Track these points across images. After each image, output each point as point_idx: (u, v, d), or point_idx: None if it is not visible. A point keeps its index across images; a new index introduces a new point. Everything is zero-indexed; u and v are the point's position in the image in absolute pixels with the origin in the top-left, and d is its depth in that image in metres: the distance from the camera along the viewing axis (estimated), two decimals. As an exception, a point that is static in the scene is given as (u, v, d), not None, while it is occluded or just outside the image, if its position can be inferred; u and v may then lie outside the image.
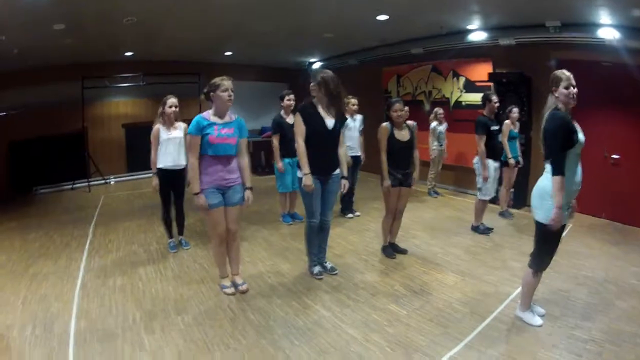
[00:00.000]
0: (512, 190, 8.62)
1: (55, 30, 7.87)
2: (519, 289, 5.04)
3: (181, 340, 3.94)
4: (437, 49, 10.73)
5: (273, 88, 11.05)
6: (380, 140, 5.78)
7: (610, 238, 7.35)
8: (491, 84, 9.61)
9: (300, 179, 4.99)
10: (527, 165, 8.66)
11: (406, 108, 6.15)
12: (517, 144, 8.13)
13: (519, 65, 9.23)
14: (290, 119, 7.16)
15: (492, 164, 7.10)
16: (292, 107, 7.39)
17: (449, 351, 3.89)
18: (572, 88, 3.88)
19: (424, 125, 10.16)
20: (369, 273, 5.71)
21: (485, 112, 7.13)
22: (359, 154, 8.07)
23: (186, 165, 5.77)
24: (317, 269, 5.47)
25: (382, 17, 8.58)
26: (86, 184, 11.61)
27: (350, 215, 8.30)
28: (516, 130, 8.05)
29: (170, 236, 6.50)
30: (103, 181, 12.18)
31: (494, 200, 8.05)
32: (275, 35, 10.30)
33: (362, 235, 7.16)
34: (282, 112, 7.49)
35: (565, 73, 3.94)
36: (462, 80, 10.77)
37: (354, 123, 7.97)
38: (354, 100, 7.96)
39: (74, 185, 11.66)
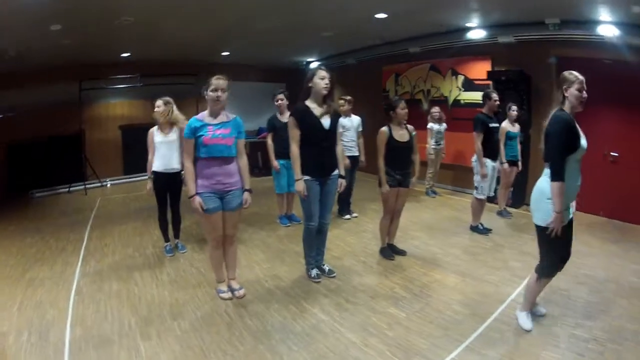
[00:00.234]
0: (511, 189, 8.59)
1: (52, 31, 7.81)
2: (520, 289, 5.07)
3: (177, 347, 3.88)
4: (435, 47, 10.71)
5: (271, 88, 10.97)
6: (379, 146, 5.75)
7: (610, 236, 7.33)
8: (490, 82, 9.57)
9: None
10: (526, 164, 8.64)
11: None
12: (517, 143, 8.08)
13: (518, 63, 9.20)
14: (284, 118, 7.13)
15: (490, 163, 7.08)
16: (284, 107, 7.38)
17: (450, 354, 3.85)
18: (584, 92, 3.83)
19: (422, 124, 10.09)
20: (368, 275, 5.66)
21: (485, 110, 7.11)
22: (356, 154, 8.01)
23: (182, 168, 5.81)
24: (314, 272, 5.42)
25: (381, 16, 8.54)
26: (83, 186, 11.58)
27: (347, 216, 8.26)
28: (515, 130, 8.00)
29: (167, 239, 6.45)
30: (99, 184, 12.15)
31: (493, 200, 8.05)
32: (273, 35, 10.25)
33: (360, 236, 7.12)
34: (277, 113, 7.48)
35: (578, 76, 3.89)
36: (460, 78, 10.75)
37: (351, 123, 7.92)
38: (341, 102, 7.94)
39: (71, 188, 11.59)
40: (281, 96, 7.41)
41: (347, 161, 7.06)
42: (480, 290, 5.19)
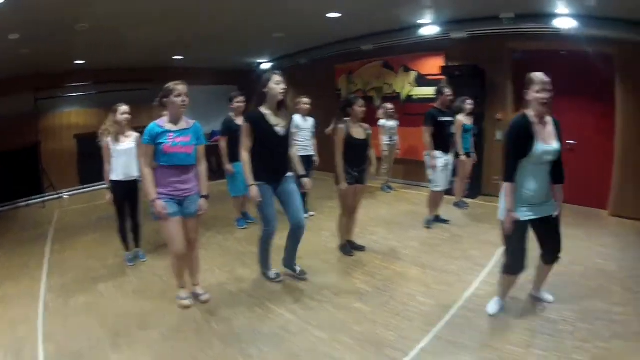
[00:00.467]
0: (468, 181, 8.78)
1: (10, 41, 7.74)
2: (482, 277, 5.26)
3: (148, 356, 3.89)
4: (388, 44, 10.83)
5: (223, 91, 10.96)
6: (337, 143, 5.79)
7: (572, 221, 7.47)
8: (444, 77, 9.73)
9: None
10: (480, 156, 8.85)
11: None
12: (471, 137, 8.29)
13: (472, 58, 9.37)
14: (240, 121, 7.06)
15: (442, 156, 7.18)
16: (242, 109, 7.37)
17: (419, 343, 3.95)
18: (543, 93, 3.79)
19: (375, 121, 10.27)
20: (330, 273, 5.74)
21: (437, 104, 7.20)
22: (311, 153, 8.09)
23: (139, 176, 5.78)
24: (272, 273, 5.46)
25: (333, 15, 8.59)
26: (41, 199, 11.38)
27: (305, 215, 8.26)
28: (470, 123, 8.19)
29: (127, 249, 6.41)
30: (57, 196, 11.91)
31: (449, 192, 8.19)
32: (225, 37, 10.29)
33: (319, 235, 7.18)
34: (232, 114, 7.47)
35: (539, 77, 3.87)
36: (413, 74, 10.91)
37: (306, 123, 7.99)
38: (305, 100, 8.01)
39: (29, 202, 11.36)
40: (241, 99, 7.41)
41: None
42: (443, 280, 5.31)
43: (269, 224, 5.11)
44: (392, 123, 10.27)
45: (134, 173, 6.06)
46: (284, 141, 4.99)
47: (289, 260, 5.46)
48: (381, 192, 10.51)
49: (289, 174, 5.14)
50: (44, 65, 10.81)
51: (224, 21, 8.63)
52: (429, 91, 9.91)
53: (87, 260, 6.51)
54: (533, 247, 4.15)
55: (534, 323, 4.22)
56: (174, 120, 4.51)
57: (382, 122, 10.25)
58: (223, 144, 7.42)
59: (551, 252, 4.20)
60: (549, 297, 4.56)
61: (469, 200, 8.91)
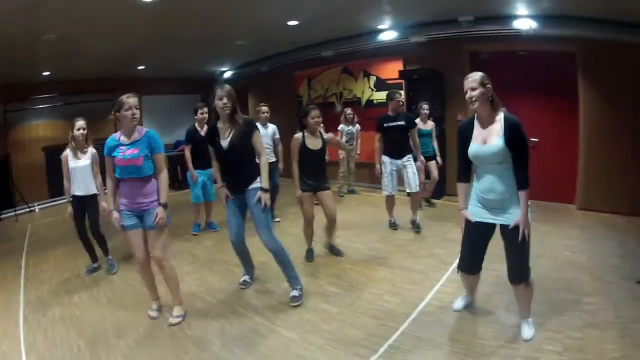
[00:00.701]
0: (427, 184, 9.01)
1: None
2: (448, 274, 5.50)
3: None
4: (348, 50, 11.06)
5: (186, 100, 11.15)
6: (292, 151, 6.00)
7: (538, 217, 7.65)
8: (402, 81, 10.12)
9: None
10: (443, 157, 9.07)
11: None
12: (430, 140, 8.54)
13: (430, 61, 9.68)
14: (204, 131, 7.34)
15: (387, 160, 7.39)
16: (205, 120, 7.59)
17: (387, 340, 4.14)
18: (467, 92, 3.81)
19: (336, 125, 10.61)
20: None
21: (389, 109, 7.39)
22: (273, 159, 8.25)
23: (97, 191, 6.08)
24: (242, 279, 5.68)
25: (293, 23, 8.83)
26: (13, 213, 11.44)
27: (278, 220, 8.55)
28: (427, 127, 8.49)
29: (94, 260, 6.54)
30: (28, 209, 11.97)
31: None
32: (186, 46, 10.46)
33: (284, 240, 7.16)
34: (196, 124, 7.72)
35: (466, 78, 3.86)
36: (372, 79, 11.25)
37: (266, 131, 8.16)
38: (264, 108, 8.25)
39: (2, 216, 11.42)
40: (205, 110, 7.62)
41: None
42: (409, 279, 5.54)
43: (229, 234, 5.26)
44: (350, 128, 10.51)
45: (91, 190, 6.21)
46: (230, 154, 4.93)
47: (289, 281, 5.26)
48: (346, 196, 10.86)
49: (252, 186, 5.00)
50: (12, 77, 10.89)
51: (186, 30, 8.80)
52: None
53: (62, 273, 6.62)
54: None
55: (502, 317, 4.41)
56: (127, 134, 4.58)
57: (340, 126, 10.51)
58: (187, 153, 7.67)
59: (508, 269, 3.99)
60: (527, 332, 4.02)
61: (436, 201, 9.32)
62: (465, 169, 4.09)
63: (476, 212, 4.01)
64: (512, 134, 3.67)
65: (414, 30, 9.57)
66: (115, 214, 4.57)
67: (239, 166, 5.01)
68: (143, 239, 4.66)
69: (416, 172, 7.36)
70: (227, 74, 15.83)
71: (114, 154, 4.50)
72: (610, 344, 3.82)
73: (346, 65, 11.95)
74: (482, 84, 3.76)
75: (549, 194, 8.86)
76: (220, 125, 4.97)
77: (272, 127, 8.35)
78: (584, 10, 7.31)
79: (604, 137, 8.06)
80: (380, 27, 9.87)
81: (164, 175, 4.63)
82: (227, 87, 4.88)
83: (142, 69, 13.09)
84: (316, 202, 6.18)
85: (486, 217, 3.95)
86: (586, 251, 6.23)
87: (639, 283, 5.00)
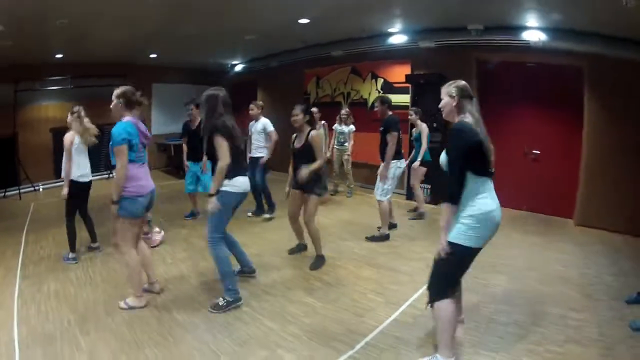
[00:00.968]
0: (425, 187, 9.34)
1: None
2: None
3: (113, 340, 4.28)
4: (358, 51, 11.30)
5: (195, 91, 11.31)
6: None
7: (533, 229, 8.04)
8: (409, 85, 10.32)
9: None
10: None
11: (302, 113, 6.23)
12: (419, 145, 8.61)
13: (438, 66, 9.82)
14: (193, 126, 7.99)
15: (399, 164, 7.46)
16: (192, 116, 8.15)
17: (365, 337, 4.35)
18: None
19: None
20: (285, 269, 6.22)
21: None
22: (257, 155, 8.59)
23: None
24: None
25: (304, 21, 9.05)
26: (17, 191, 11.71)
27: (266, 215, 8.84)
28: (416, 133, 8.70)
29: (73, 249, 6.65)
30: (32, 188, 12.24)
31: (412, 197, 8.92)
32: (198, 38, 10.66)
33: (279, 234, 7.57)
34: (188, 119, 8.26)
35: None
36: (380, 81, 11.42)
37: (255, 127, 8.59)
38: (251, 105, 8.60)
39: (6, 193, 11.72)
40: (192, 107, 8.13)
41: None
42: (395, 280, 5.75)
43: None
44: (343, 128, 10.70)
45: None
46: (207, 156, 5.14)
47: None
48: (345, 197, 11.06)
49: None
50: (25, 58, 11.11)
51: (197, 22, 9.03)
52: (395, 98, 10.18)
53: (60, 250, 6.87)
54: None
55: (484, 325, 4.56)
56: None
57: (335, 126, 10.76)
58: (184, 145, 8.29)
59: None
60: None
61: (431, 206, 9.46)
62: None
63: None
64: (448, 142, 3.70)
65: (423, 36, 9.81)
66: None
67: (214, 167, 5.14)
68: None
69: (381, 180, 7.36)
70: (238, 68, 16.15)
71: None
72: (592, 362, 3.92)
73: (355, 65, 12.13)
74: (448, 94, 3.79)
75: (547, 207, 9.08)
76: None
77: (261, 122, 8.62)
78: (594, 25, 7.43)
79: (606, 154, 8.16)
80: (390, 30, 10.08)
81: (116, 169, 4.73)
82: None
83: (153, 57, 13.38)
84: None
85: None
86: (579, 267, 6.34)
87: (628, 303, 5.08)
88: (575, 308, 4.97)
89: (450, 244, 3.56)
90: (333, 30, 10.38)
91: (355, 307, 5.04)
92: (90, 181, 6.67)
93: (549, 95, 8.95)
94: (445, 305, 3.68)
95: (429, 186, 9.78)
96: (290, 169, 6.28)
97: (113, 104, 4.85)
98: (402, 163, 7.48)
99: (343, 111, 10.81)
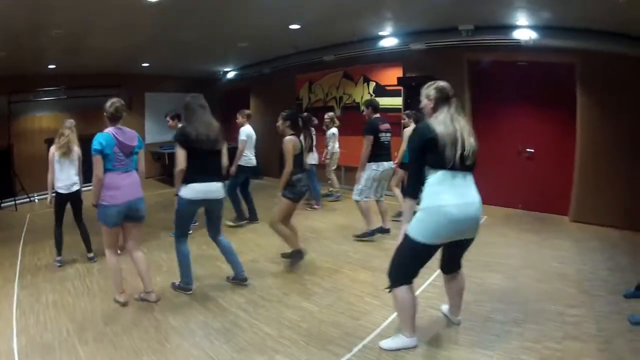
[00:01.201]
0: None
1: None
2: (430, 280, 5.67)
3: (112, 349, 4.30)
4: (349, 55, 11.33)
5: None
6: None
7: (529, 227, 8.08)
8: (401, 87, 10.39)
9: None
10: None
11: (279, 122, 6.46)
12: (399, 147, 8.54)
13: (430, 68, 9.83)
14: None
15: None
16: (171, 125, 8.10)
17: (362, 340, 4.36)
18: None
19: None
20: (281, 275, 6.28)
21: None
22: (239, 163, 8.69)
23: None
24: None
25: (295, 26, 9.10)
26: (13, 202, 11.73)
27: (229, 222, 8.85)
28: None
29: (60, 254, 6.87)
30: (28, 199, 12.28)
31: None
32: (191, 46, 10.73)
33: (275, 239, 7.33)
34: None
35: None
36: (372, 85, 11.49)
37: (240, 136, 8.67)
38: (237, 114, 8.76)
39: (2, 205, 11.76)
40: (169, 117, 8.19)
41: None
42: None
43: None
44: (328, 132, 10.70)
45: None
46: None
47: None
48: (337, 201, 11.09)
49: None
50: (19, 68, 11.17)
51: (189, 30, 9.08)
52: (387, 101, 10.50)
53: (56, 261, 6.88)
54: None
55: (480, 323, 4.59)
56: None
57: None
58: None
59: None
60: (385, 341, 4.29)
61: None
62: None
63: None
64: None
65: (414, 38, 9.84)
66: None
67: None
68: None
69: (359, 182, 7.51)
70: (230, 75, 16.21)
71: None
72: (590, 357, 3.94)
73: (347, 70, 12.21)
74: (426, 96, 4.06)
75: (542, 205, 9.14)
76: None
77: (241, 131, 8.77)
78: (584, 22, 7.49)
79: (600, 150, 8.23)
80: (381, 33, 10.12)
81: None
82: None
83: (146, 66, 13.40)
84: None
85: None
86: (576, 263, 6.37)
87: (627, 297, 5.12)
88: (572, 304, 4.99)
89: (407, 237, 3.82)
90: (324, 35, 10.43)
91: (351, 310, 5.07)
92: (75, 192, 6.86)
93: (542, 93, 9.02)
94: (401, 293, 4.00)
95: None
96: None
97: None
98: (380, 166, 7.44)
99: (326, 115, 10.81)
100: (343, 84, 12.48)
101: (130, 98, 14.31)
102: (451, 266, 4.36)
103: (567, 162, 8.67)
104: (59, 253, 6.85)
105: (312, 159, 9.98)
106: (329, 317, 4.92)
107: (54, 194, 6.76)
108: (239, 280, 5.87)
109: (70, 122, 6.86)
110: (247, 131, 8.70)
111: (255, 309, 5.16)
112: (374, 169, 7.32)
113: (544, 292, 5.35)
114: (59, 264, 6.75)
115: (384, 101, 10.66)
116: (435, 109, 3.94)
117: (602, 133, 8.21)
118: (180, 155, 5.12)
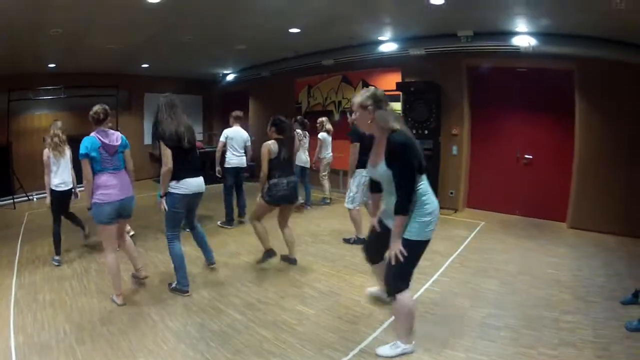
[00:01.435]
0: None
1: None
2: (427, 285, 5.70)
3: (109, 349, 4.30)
4: (348, 60, 11.38)
5: (188, 100, 11.37)
6: None
7: (525, 233, 8.09)
8: (399, 93, 10.37)
9: None
10: (436, 171, 9.39)
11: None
12: None
13: (429, 74, 9.91)
14: None
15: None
16: None
17: (359, 345, 4.36)
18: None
19: (338, 135, 10.99)
20: (278, 277, 6.28)
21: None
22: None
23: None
24: None
25: (295, 30, 9.13)
26: (11, 200, 11.74)
27: (218, 223, 9.01)
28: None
29: (59, 253, 6.93)
30: (26, 198, 12.29)
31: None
32: (190, 47, 10.74)
33: (272, 242, 7.32)
34: None
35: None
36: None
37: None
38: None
39: (0, 203, 11.76)
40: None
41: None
42: None
43: None
44: (319, 136, 10.68)
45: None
46: None
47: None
48: (333, 205, 11.06)
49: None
50: (19, 67, 11.19)
51: (189, 32, 9.14)
52: None
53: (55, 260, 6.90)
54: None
55: (476, 329, 4.59)
56: None
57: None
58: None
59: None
60: (382, 349, 4.28)
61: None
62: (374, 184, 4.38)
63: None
64: (391, 157, 3.70)
65: (413, 43, 9.88)
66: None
67: None
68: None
69: (350, 189, 7.54)
70: (230, 77, 16.24)
71: None
72: (585, 364, 3.94)
73: (346, 74, 12.23)
74: (362, 106, 3.86)
75: (540, 211, 9.15)
76: None
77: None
78: (583, 29, 7.53)
79: (599, 156, 8.26)
80: (380, 38, 10.17)
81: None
82: None
83: (145, 67, 13.45)
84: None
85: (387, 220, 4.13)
86: (572, 269, 6.39)
87: (624, 304, 5.14)
88: (568, 310, 5.01)
89: (411, 242, 3.77)
90: (324, 39, 10.43)
91: (348, 314, 5.06)
92: (70, 189, 7.06)
93: (541, 99, 9.04)
94: (406, 299, 4.03)
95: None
96: None
97: None
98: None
99: (319, 120, 10.82)
100: (342, 88, 12.49)
101: (130, 98, 14.54)
102: (382, 255, 4.61)
103: (565, 168, 8.69)
104: (57, 252, 6.88)
105: (300, 160, 10.09)
106: (325, 320, 4.92)
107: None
108: (208, 264, 6.45)
109: (59, 123, 7.33)
110: (227, 132, 8.80)
111: (252, 311, 5.15)
112: (363, 175, 7.22)
113: (539, 298, 5.36)
114: (57, 263, 6.77)
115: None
116: (378, 118, 3.82)
117: (600, 139, 8.24)
118: (168, 155, 5.22)
